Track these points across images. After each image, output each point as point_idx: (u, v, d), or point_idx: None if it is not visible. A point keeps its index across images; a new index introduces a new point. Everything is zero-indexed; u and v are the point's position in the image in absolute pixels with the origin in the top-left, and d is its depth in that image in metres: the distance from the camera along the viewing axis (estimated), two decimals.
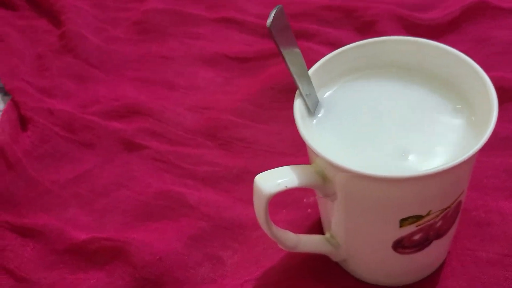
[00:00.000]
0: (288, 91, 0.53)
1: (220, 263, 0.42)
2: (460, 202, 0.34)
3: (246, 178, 0.48)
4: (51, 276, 0.43)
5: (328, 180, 0.33)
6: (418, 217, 0.33)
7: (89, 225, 0.46)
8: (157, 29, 0.63)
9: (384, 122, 0.34)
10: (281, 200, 0.45)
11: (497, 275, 0.39)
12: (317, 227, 0.43)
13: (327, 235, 0.39)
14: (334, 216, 0.36)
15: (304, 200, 0.45)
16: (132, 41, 0.63)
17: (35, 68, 0.61)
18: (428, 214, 0.32)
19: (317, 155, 0.31)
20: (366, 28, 0.59)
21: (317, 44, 0.58)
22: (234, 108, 0.53)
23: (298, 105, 0.34)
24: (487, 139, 0.30)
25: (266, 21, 0.62)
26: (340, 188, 0.33)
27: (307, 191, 0.46)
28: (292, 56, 0.33)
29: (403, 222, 0.33)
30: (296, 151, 0.49)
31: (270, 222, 0.34)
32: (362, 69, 0.37)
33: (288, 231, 0.37)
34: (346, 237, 0.37)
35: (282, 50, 0.32)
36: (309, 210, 0.45)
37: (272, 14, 0.30)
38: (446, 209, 0.33)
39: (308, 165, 0.34)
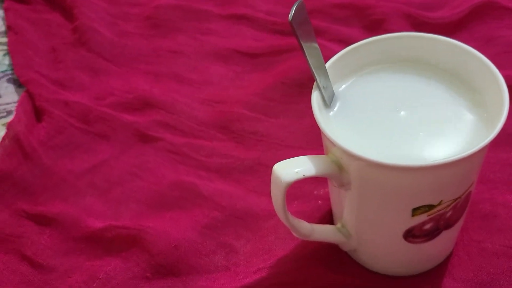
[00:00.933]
0: (299, 86, 0.55)
1: (234, 252, 0.44)
2: (470, 193, 0.36)
3: (258, 170, 0.49)
4: (68, 263, 0.44)
5: (343, 169, 0.34)
6: (430, 207, 0.34)
7: (105, 213, 0.47)
8: (168, 24, 0.64)
9: (398, 114, 0.36)
10: (293, 192, 0.46)
11: (503, 266, 0.40)
12: (327, 218, 0.45)
13: (338, 225, 0.40)
14: (347, 205, 0.38)
15: (315, 192, 0.47)
16: (144, 35, 0.64)
17: (49, 60, 0.62)
18: (439, 204, 0.34)
19: (334, 144, 0.32)
20: (375, 26, 0.60)
21: (327, 41, 0.59)
22: (246, 102, 0.54)
23: (315, 97, 0.35)
24: (499, 131, 0.31)
25: (276, 18, 0.63)
26: (355, 177, 0.34)
27: (317, 183, 0.47)
28: (311, 50, 0.34)
29: (415, 211, 0.34)
30: (306, 144, 0.50)
31: (287, 210, 0.35)
32: (377, 63, 0.39)
33: (302, 220, 0.38)
34: (358, 226, 0.38)
35: (302, 43, 0.33)
36: (319, 202, 0.46)
37: (294, 8, 0.32)
38: (456, 199, 0.34)
39: (324, 155, 0.35)
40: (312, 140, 0.51)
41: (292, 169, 0.33)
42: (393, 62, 0.38)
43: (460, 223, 0.38)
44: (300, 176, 0.33)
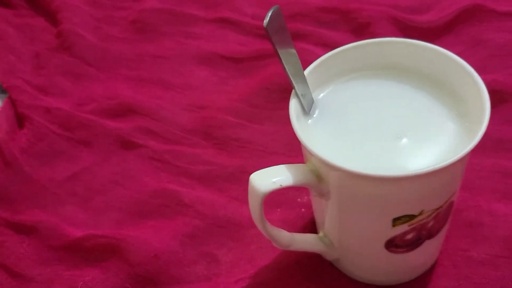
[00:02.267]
0: (283, 91, 0.54)
1: (215, 261, 0.43)
2: (452, 203, 0.35)
3: (241, 178, 0.48)
4: (47, 273, 0.43)
5: (322, 179, 0.33)
6: (411, 217, 0.33)
7: (85, 222, 0.46)
8: (153, 28, 0.64)
9: (378, 122, 0.35)
10: (276, 200, 0.45)
11: (489, 275, 0.39)
12: (311, 227, 0.44)
13: (321, 234, 0.40)
14: (328, 215, 0.37)
15: (298, 199, 0.46)
16: (128, 40, 0.63)
17: (32, 66, 0.61)
18: (420, 214, 0.33)
19: (311, 154, 0.32)
20: (361, 29, 0.59)
21: (312, 45, 0.58)
22: (230, 108, 0.53)
23: (293, 105, 0.34)
24: (478, 141, 0.31)
25: (261, 22, 0.62)
26: (334, 187, 0.33)
27: (301, 190, 0.46)
28: (288, 56, 0.33)
29: (396, 221, 0.33)
30: (290, 151, 0.50)
31: (265, 220, 0.34)
32: (358, 70, 0.38)
33: (282, 229, 0.37)
34: (339, 236, 0.38)
35: (278, 50, 0.32)
36: (303, 209, 0.45)
37: (269, 14, 0.31)
38: (438, 209, 0.33)
39: (303, 164, 0.34)
40: (296, 147, 0.49)
41: (269, 179, 0.32)
42: (374, 68, 0.38)
43: (443, 232, 0.37)
44: (277, 186, 0.32)
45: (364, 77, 0.38)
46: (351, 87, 0.37)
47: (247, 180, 0.48)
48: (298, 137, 0.32)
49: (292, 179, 0.33)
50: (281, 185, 0.32)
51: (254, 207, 0.33)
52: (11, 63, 0.60)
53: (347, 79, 0.38)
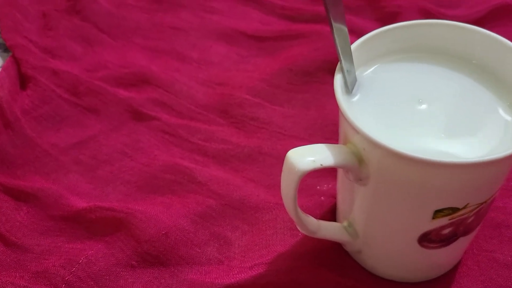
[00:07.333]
0: (306, 74, 0.52)
1: (228, 244, 0.40)
2: (494, 199, 0.33)
3: (258, 159, 0.46)
4: (45, 243, 0.41)
5: (363, 162, 0.31)
6: (454, 210, 0.31)
7: (90, 193, 0.44)
8: None
9: (425, 108, 0.33)
10: None
11: None
12: (330, 216, 0.42)
13: (344, 223, 0.37)
14: (359, 202, 0.35)
15: (318, 187, 0.44)
16: (144, 9, 0.60)
17: (39, 26, 0.58)
18: (464, 208, 0.31)
19: (356, 131, 0.29)
20: (389, 19, 0.57)
21: None
22: (249, 87, 0.51)
23: (338, 80, 0.32)
24: None
25: (285, 3, 0.60)
26: (376, 171, 0.31)
27: (321, 178, 0.44)
28: (340, 31, 0.31)
29: (437, 213, 0.31)
30: (311, 136, 0.47)
31: (297, 203, 0.32)
32: (405, 51, 0.35)
33: (309, 215, 0.35)
34: (367, 226, 0.35)
35: (332, 21, 0.30)
36: (322, 197, 0.43)
37: None
38: (482, 203, 0.31)
39: (343, 145, 0.32)
40: (316, 133, 0.48)
41: (309, 157, 0.30)
42: (422, 51, 0.35)
43: (476, 230, 0.36)
44: (317, 165, 0.30)
45: (412, 59, 0.35)
46: (397, 68, 0.35)
47: (264, 162, 0.46)
48: (344, 113, 0.30)
49: (333, 159, 0.30)
50: (321, 164, 0.30)
51: (289, 186, 0.31)
52: (17, 21, 0.57)
53: (393, 59, 0.35)
